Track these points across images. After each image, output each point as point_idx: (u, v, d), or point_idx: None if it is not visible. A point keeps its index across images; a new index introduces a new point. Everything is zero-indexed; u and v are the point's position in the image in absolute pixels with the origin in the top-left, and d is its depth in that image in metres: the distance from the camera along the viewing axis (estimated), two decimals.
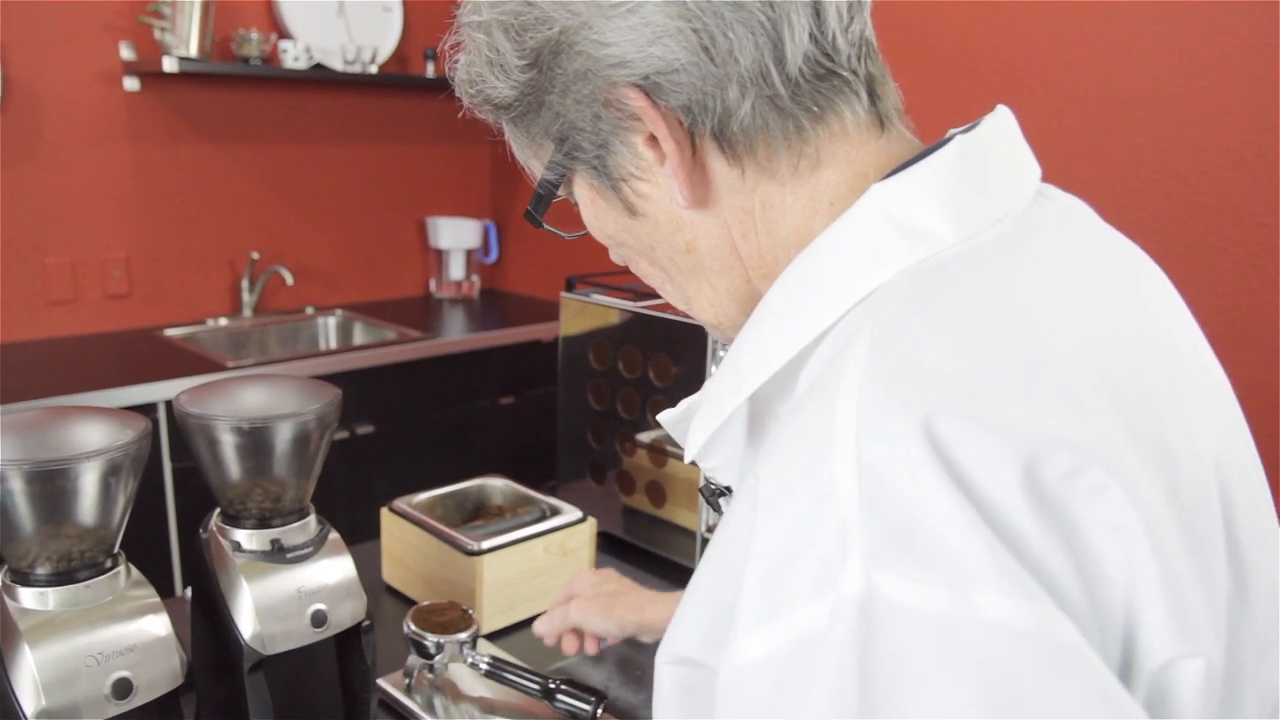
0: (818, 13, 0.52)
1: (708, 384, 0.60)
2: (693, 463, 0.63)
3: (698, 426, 0.60)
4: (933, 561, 0.39)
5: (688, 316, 0.65)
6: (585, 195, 0.61)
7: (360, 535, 1.42)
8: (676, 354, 1.34)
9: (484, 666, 1.03)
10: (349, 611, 0.96)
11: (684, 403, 0.65)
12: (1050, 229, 0.55)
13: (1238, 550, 0.49)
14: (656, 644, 0.59)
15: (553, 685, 0.99)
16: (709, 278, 0.60)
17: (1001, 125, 0.57)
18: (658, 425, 1.45)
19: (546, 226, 0.64)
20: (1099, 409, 0.45)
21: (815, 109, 0.54)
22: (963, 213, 0.52)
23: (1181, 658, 0.43)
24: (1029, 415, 0.43)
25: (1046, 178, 0.60)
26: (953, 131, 0.56)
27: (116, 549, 0.86)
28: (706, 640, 0.49)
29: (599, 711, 0.98)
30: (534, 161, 0.62)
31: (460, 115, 0.63)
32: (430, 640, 1.03)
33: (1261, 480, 0.56)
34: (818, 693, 0.40)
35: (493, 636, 1.23)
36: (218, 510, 0.97)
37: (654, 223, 0.58)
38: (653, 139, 0.55)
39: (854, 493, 0.41)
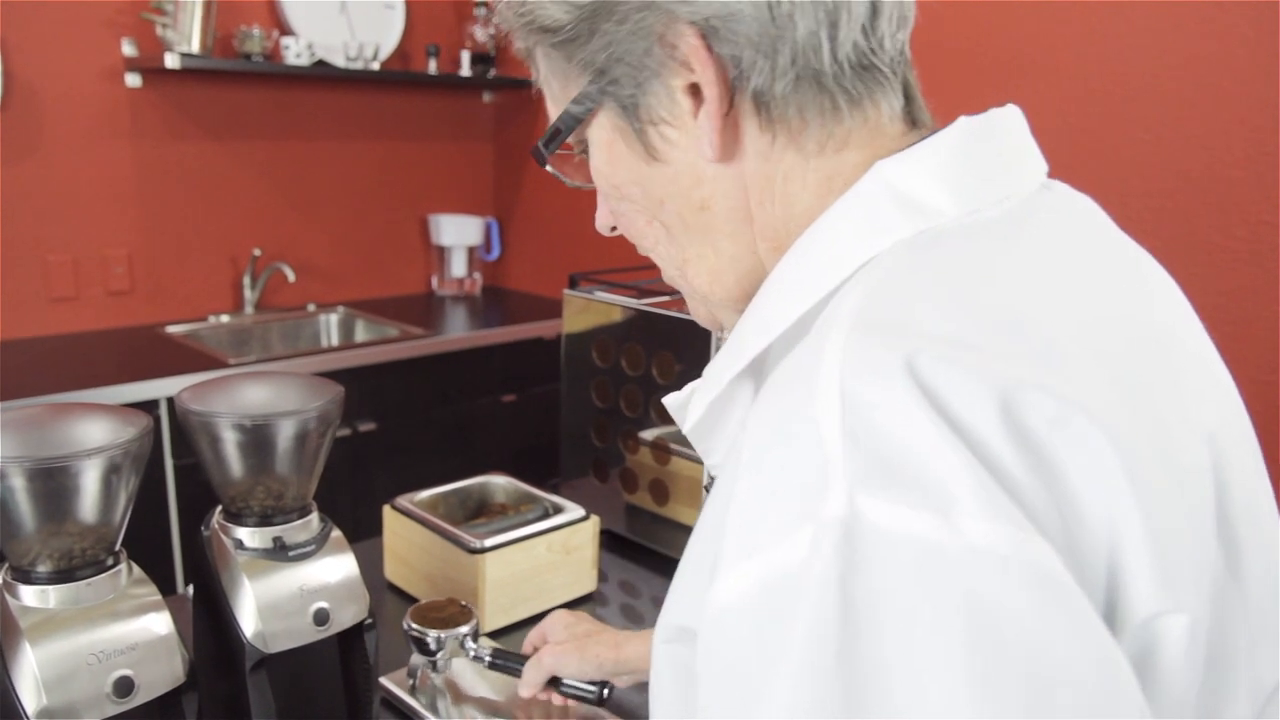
0: (875, 11, 0.54)
1: (710, 364, 0.60)
2: (697, 461, 0.62)
3: (698, 398, 0.60)
4: (917, 486, 0.39)
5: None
6: (604, 138, 0.59)
7: (363, 533, 1.42)
8: (679, 351, 1.33)
9: (486, 658, 1.02)
10: (351, 610, 0.96)
11: (688, 386, 0.64)
12: (1053, 215, 0.56)
13: (1230, 529, 0.49)
14: None
15: None
16: (715, 241, 0.59)
17: (1009, 117, 0.58)
18: (661, 423, 1.45)
19: (549, 168, 0.63)
20: (1088, 368, 0.45)
21: (854, 93, 0.54)
22: (964, 189, 0.53)
23: (1166, 612, 0.43)
24: (1015, 365, 0.43)
25: (1050, 174, 0.60)
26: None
27: (118, 546, 0.86)
28: (698, 604, 0.48)
29: (606, 692, 0.97)
30: (562, 91, 0.60)
31: (502, 34, 0.61)
32: (431, 636, 1.02)
33: (1262, 474, 0.56)
34: (800, 622, 0.39)
35: (495, 635, 1.23)
36: (219, 508, 0.97)
37: (673, 173, 0.57)
38: (693, 89, 0.54)
39: (837, 426, 0.41)
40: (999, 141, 0.56)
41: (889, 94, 0.56)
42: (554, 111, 0.61)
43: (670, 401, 0.67)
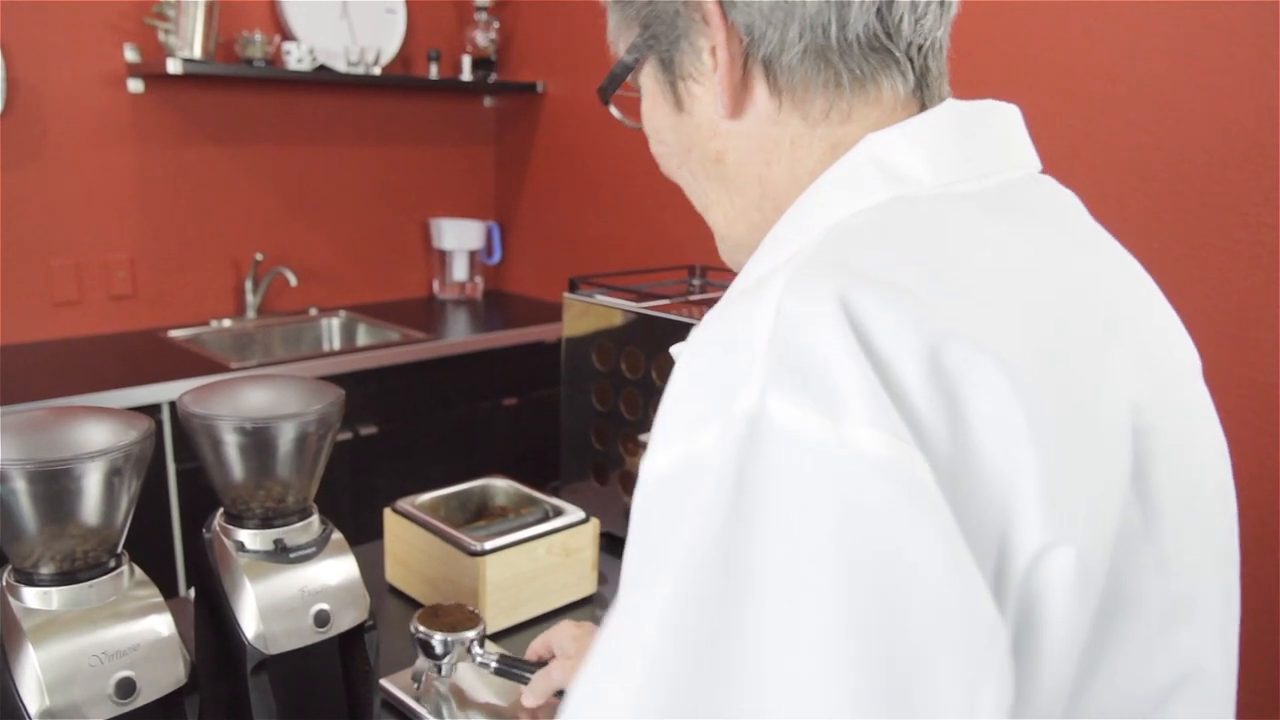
0: None
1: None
2: None
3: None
4: (818, 393, 0.43)
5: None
6: (649, 86, 0.66)
7: (364, 536, 1.42)
8: None
9: (493, 665, 1.02)
10: (352, 612, 0.96)
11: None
12: (1034, 201, 0.59)
13: (1149, 488, 0.51)
14: None
15: None
16: (729, 191, 0.65)
17: (1005, 110, 0.62)
18: None
19: (612, 109, 0.71)
20: (1011, 322, 0.48)
21: (859, 73, 0.59)
22: (942, 161, 0.57)
23: (1052, 545, 0.45)
24: (939, 310, 0.47)
25: (1047, 173, 0.62)
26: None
27: (120, 549, 0.86)
28: None
29: None
30: (621, 42, 0.67)
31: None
32: (437, 639, 1.02)
33: (1215, 465, 0.59)
34: (697, 498, 0.43)
35: (495, 637, 1.23)
36: (221, 510, 0.97)
37: (695, 124, 0.64)
38: (715, 50, 0.60)
39: (766, 334, 0.45)
40: (987, 126, 0.60)
41: (895, 76, 0.59)
42: (615, 58, 0.68)
43: (676, 351, 0.70)
